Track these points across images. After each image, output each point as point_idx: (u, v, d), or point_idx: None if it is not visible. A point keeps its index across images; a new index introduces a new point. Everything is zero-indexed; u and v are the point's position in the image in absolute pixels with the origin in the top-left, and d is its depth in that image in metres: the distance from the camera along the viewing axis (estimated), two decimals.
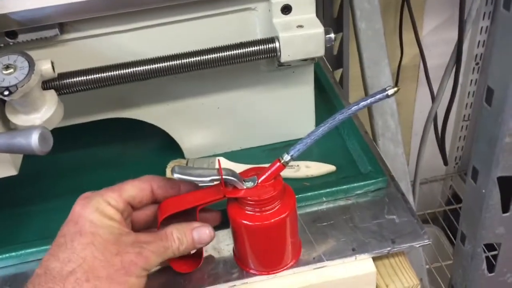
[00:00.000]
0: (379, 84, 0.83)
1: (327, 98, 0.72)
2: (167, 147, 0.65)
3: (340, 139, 0.65)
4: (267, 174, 0.46)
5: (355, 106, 0.44)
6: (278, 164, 0.46)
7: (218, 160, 0.47)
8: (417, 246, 0.52)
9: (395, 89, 0.45)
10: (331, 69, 0.82)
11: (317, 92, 0.72)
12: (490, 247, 0.75)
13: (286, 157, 0.45)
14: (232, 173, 0.45)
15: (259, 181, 0.46)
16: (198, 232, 0.47)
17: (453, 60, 0.83)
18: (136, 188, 0.47)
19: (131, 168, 0.65)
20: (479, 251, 0.70)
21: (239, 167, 0.62)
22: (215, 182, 0.45)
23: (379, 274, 0.52)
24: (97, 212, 0.43)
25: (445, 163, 1.00)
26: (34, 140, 0.40)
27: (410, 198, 0.84)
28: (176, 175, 0.44)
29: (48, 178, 0.64)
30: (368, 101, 0.45)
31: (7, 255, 0.54)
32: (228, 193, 0.45)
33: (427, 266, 1.28)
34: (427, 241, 0.52)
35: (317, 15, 1.03)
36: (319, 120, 0.65)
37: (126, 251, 0.42)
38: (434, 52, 1.24)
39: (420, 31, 1.25)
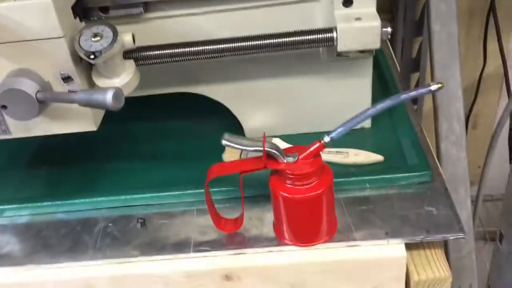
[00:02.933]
0: (448, 87, 0.83)
1: (386, 91, 0.74)
2: (231, 125, 0.71)
3: (394, 132, 0.67)
4: (307, 152, 0.50)
5: (396, 98, 0.47)
6: (318, 144, 0.50)
7: (264, 135, 0.51)
8: (451, 238, 0.53)
9: (439, 85, 0.47)
10: (399, 70, 0.84)
11: (380, 87, 0.75)
12: None
13: (326, 138, 0.49)
14: (275, 146, 0.50)
15: (300, 157, 0.50)
16: None
17: None
18: None
19: (195, 141, 0.72)
20: None
21: None
22: (258, 153, 0.50)
23: (413, 263, 0.54)
24: None
25: None
26: (108, 96, 0.47)
27: (468, 204, 0.83)
28: (223, 141, 0.49)
29: (124, 142, 0.73)
30: (410, 94, 0.47)
31: (82, 200, 0.62)
32: (269, 164, 0.50)
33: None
34: (461, 234, 0.53)
35: (398, 17, 1.04)
36: None
37: None
38: None
39: (506, 41, 1.22)
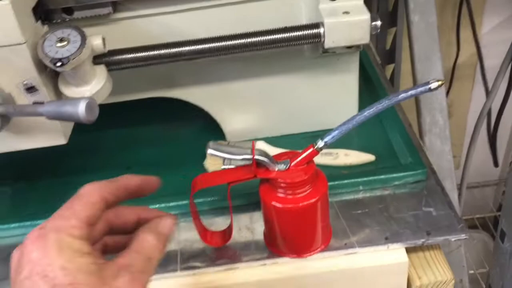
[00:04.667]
0: (429, 79, 0.81)
1: (373, 90, 0.71)
2: (210, 128, 0.67)
3: (382, 129, 0.64)
4: (300, 158, 0.46)
5: (394, 98, 0.44)
6: (312, 149, 0.46)
7: (253, 142, 0.47)
8: (453, 240, 0.51)
9: (439, 82, 0.44)
10: (379, 62, 0.81)
11: (363, 83, 0.72)
12: None
13: (320, 143, 0.46)
14: (265, 154, 0.46)
15: (292, 164, 0.46)
16: (164, 225, 0.40)
17: (508, 58, 0.80)
18: (88, 206, 0.38)
19: (173, 147, 0.67)
20: None
21: (277, 152, 0.62)
22: (247, 162, 0.46)
23: (413, 266, 0.52)
24: (63, 252, 0.34)
25: (495, 164, 0.96)
26: (81, 108, 0.43)
27: (454, 197, 0.81)
28: (209, 151, 0.45)
29: (95, 152, 0.68)
30: (409, 93, 0.44)
31: None
32: (259, 173, 0.46)
33: (471, 272, 1.24)
34: (463, 235, 0.51)
35: (372, 9, 1.02)
36: (363, 109, 0.65)
37: (116, 286, 0.34)
38: (493, 52, 1.20)
39: (479, 29, 1.21)
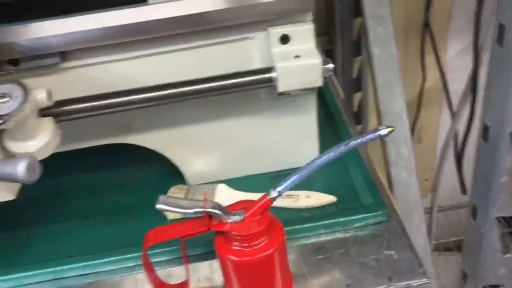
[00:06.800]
0: (392, 111, 0.81)
1: (335, 127, 0.70)
2: (171, 172, 0.65)
3: (344, 169, 0.63)
4: (253, 209, 0.45)
5: (343, 147, 0.43)
6: (265, 199, 0.45)
7: (204, 193, 0.46)
8: (415, 285, 0.50)
9: (389, 129, 0.44)
10: (342, 96, 0.81)
11: (326, 119, 0.71)
12: None
13: (273, 193, 0.45)
14: (218, 206, 0.45)
15: (246, 215, 0.45)
16: None
17: (470, 83, 0.81)
18: None
19: (133, 193, 0.66)
20: None
21: (239, 195, 0.61)
22: (199, 215, 0.44)
23: None
24: None
25: (463, 191, 0.96)
26: (20, 169, 0.41)
27: (423, 228, 0.81)
28: (158, 206, 0.44)
29: (51, 202, 0.65)
30: (359, 141, 0.44)
31: (4, 277, 0.55)
32: (213, 226, 0.45)
33: None
34: (425, 280, 0.50)
35: (336, 38, 1.01)
36: (324, 148, 0.64)
37: None
38: (459, 76, 1.21)
39: (444, 54, 1.23)
